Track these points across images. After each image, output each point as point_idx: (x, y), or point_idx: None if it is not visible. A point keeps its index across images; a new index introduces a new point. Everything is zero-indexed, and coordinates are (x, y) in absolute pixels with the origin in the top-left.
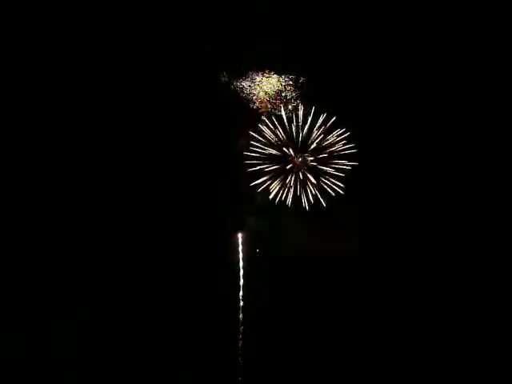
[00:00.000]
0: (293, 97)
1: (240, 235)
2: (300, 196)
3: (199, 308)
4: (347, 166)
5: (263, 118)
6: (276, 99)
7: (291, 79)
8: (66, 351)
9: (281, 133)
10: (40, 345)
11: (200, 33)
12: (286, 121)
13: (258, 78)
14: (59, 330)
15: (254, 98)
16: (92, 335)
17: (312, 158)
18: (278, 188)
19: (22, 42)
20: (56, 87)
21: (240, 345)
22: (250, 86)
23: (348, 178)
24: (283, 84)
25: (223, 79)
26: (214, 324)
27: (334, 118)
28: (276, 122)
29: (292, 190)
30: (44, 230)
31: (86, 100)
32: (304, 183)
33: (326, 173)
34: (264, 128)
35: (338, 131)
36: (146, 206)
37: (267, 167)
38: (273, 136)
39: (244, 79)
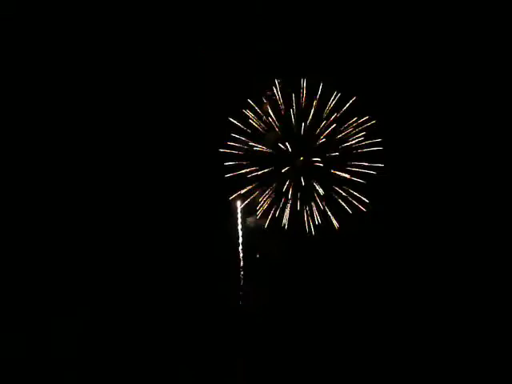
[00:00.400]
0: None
1: (239, 203)
2: (301, 212)
3: (199, 305)
4: (371, 170)
5: (249, 100)
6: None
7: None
8: (66, 351)
9: (274, 121)
10: (40, 345)
11: (200, 33)
12: (281, 102)
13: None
14: (59, 330)
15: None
16: (92, 335)
17: (319, 159)
18: (268, 201)
19: (20, 42)
20: (57, 88)
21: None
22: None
23: (373, 188)
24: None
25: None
26: (213, 323)
27: (353, 99)
28: (268, 106)
29: (289, 205)
30: (44, 230)
31: (83, 101)
32: (307, 195)
33: (339, 180)
34: (249, 114)
35: (358, 119)
36: (144, 206)
37: (252, 171)
38: (263, 125)
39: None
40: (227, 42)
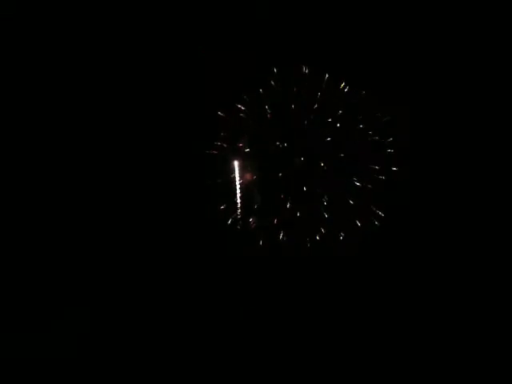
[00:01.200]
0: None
1: (237, 163)
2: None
3: (200, 305)
4: (382, 174)
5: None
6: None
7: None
8: (66, 351)
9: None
10: (40, 345)
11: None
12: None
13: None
14: (59, 330)
15: None
16: (92, 335)
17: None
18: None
19: (20, 42)
20: (57, 86)
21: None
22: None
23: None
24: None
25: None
26: (214, 324)
27: (362, 93)
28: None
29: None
30: (44, 230)
31: (83, 100)
32: (308, 203)
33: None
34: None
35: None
36: (144, 205)
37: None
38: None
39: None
40: (227, 42)
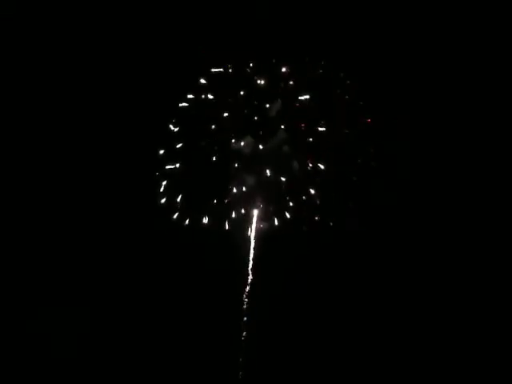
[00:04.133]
0: None
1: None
2: None
3: (202, 306)
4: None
5: None
6: None
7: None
8: (66, 351)
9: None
10: (40, 345)
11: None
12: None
13: None
14: (59, 330)
15: None
16: (92, 335)
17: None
18: None
19: (20, 42)
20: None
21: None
22: None
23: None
24: None
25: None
26: (216, 325)
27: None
28: None
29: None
30: (44, 230)
31: (82, 101)
32: None
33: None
34: None
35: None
36: (145, 204)
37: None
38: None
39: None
40: (227, 42)
